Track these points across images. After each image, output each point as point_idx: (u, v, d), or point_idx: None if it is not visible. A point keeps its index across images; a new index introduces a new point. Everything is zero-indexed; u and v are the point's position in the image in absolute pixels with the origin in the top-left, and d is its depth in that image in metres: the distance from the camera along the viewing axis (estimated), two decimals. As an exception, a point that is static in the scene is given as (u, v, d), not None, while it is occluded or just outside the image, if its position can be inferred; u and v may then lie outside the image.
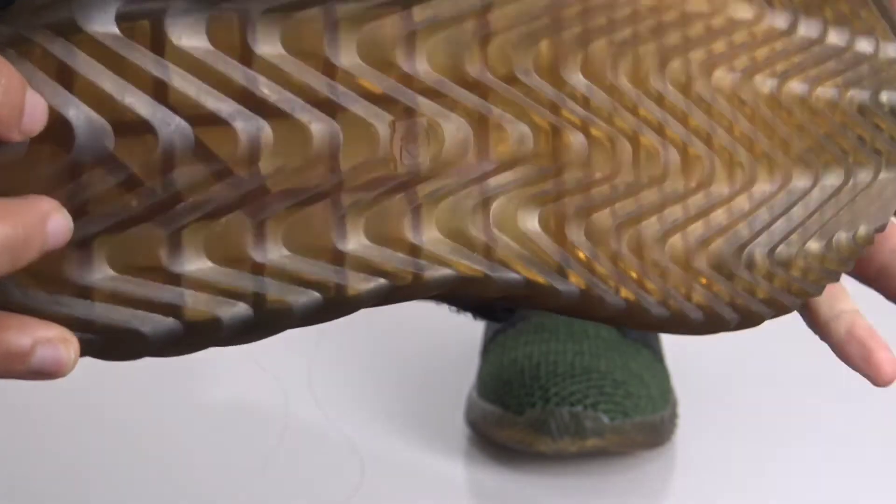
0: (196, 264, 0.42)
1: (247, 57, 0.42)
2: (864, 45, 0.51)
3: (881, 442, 0.79)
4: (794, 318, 0.98)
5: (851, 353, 0.53)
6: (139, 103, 0.41)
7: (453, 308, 0.62)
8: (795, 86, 0.49)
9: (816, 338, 0.94)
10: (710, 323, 0.49)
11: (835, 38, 0.50)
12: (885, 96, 0.51)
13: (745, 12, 0.48)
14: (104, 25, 0.41)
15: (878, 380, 0.53)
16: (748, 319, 0.50)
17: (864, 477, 0.75)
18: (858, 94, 0.51)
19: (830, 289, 0.54)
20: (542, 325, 0.81)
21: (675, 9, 0.47)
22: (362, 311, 0.96)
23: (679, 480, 0.77)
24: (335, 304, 0.44)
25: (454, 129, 0.45)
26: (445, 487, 0.75)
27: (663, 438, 0.77)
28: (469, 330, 0.90)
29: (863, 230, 0.52)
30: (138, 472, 0.76)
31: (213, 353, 0.90)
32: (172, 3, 0.41)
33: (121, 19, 0.41)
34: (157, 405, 0.84)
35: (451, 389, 0.85)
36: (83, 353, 0.42)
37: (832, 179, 0.51)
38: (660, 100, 0.47)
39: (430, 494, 0.74)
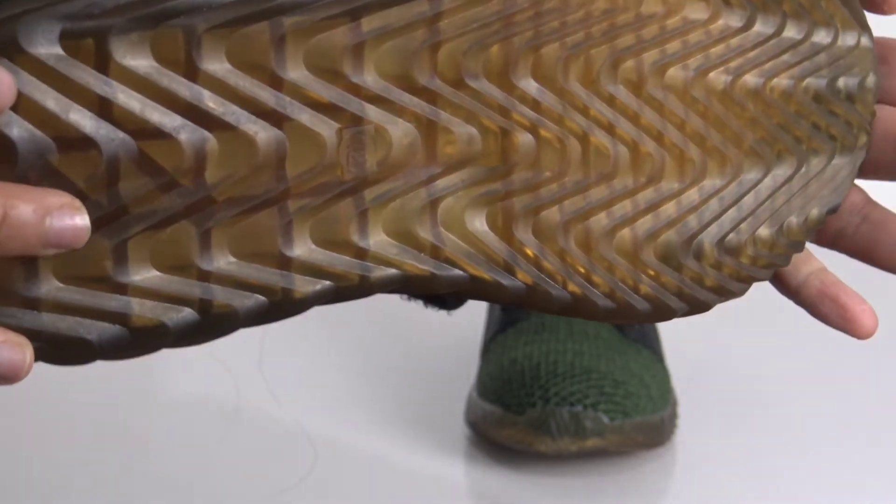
0: (142, 274, 0.43)
1: (192, 72, 0.42)
2: (822, 36, 0.50)
3: (882, 442, 0.79)
4: (795, 319, 0.98)
5: (826, 312, 0.52)
6: (83, 120, 0.41)
7: (403, 296, 0.63)
8: (749, 80, 0.49)
9: (816, 338, 0.94)
10: (656, 313, 0.49)
11: (792, 31, 0.50)
12: (841, 82, 0.51)
13: (700, 12, 0.48)
14: (47, 46, 0.41)
15: (858, 333, 0.51)
16: (695, 307, 0.50)
17: (864, 477, 0.75)
18: (815, 83, 0.51)
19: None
20: (542, 325, 0.81)
21: (629, 11, 0.47)
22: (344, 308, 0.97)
23: (679, 480, 0.77)
24: (281, 307, 0.44)
25: (401, 133, 0.45)
26: (445, 487, 0.75)
27: (663, 438, 0.77)
28: (469, 330, 0.90)
29: (814, 214, 0.52)
30: (86, 461, 0.76)
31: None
32: (116, 21, 0.41)
33: (64, 38, 0.41)
34: (106, 391, 0.84)
35: (451, 389, 0.85)
36: (34, 359, 0.42)
37: (784, 169, 0.50)
38: (611, 100, 0.47)
39: (430, 494, 0.74)
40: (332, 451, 0.78)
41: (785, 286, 0.53)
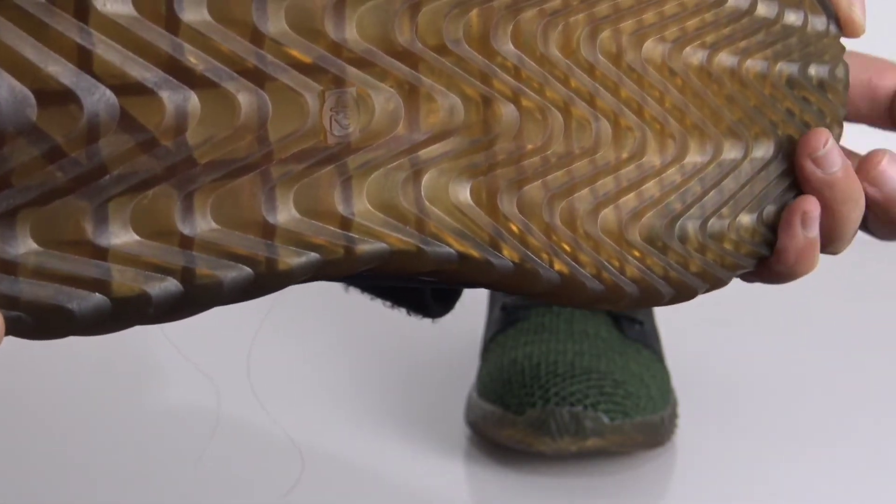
0: (122, 238, 0.42)
1: (172, 24, 0.42)
2: (792, 18, 0.51)
3: (882, 442, 0.79)
4: (796, 319, 0.98)
5: None
6: (63, 72, 0.40)
7: (387, 303, 0.62)
8: (725, 58, 0.50)
9: (818, 338, 0.94)
10: (644, 297, 0.49)
11: (764, 10, 0.51)
12: (813, 69, 0.52)
13: None
14: None
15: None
16: (682, 293, 0.50)
17: (864, 477, 0.75)
18: (787, 67, 0.51)
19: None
20: (542, 325, 0.81)
21: None
22: (337, 306, 0.97)
23: (679, 480, 0.77)
24: (266, 279, 0.44)
25: (384, 99, 0.44)
26: (445, 487, 0.75)
27: (663, 438, 0.77)
28: (469, 330, 0.90)
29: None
30: (68, 473, 0.76)
31: (141, 344, 0.90)
32: None
33: None
34: (88, 402, 0.84)
35: (451, 389, 0.85)
36: (11, 332, 0.41)
37: (762, 152, 0.51)
38: (591, 70, 0.47)
39: (430, 494, 0.74)
40: (329, 453, 0.78)
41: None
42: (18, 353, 0.87)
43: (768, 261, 0.52)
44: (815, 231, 0.51)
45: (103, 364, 0.90)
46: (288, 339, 0.93)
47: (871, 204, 0.53)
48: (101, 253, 0.42)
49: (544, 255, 0.47)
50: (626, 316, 0.82)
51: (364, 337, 0.94)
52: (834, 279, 1.08)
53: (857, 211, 0.52)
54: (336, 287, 0.79)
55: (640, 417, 0.76)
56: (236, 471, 0.76)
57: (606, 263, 0.48)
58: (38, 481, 0.75)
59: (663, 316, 0.87)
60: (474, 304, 0.90)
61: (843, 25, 0.53)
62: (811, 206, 0.51)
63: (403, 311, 0.62)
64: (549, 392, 0.75)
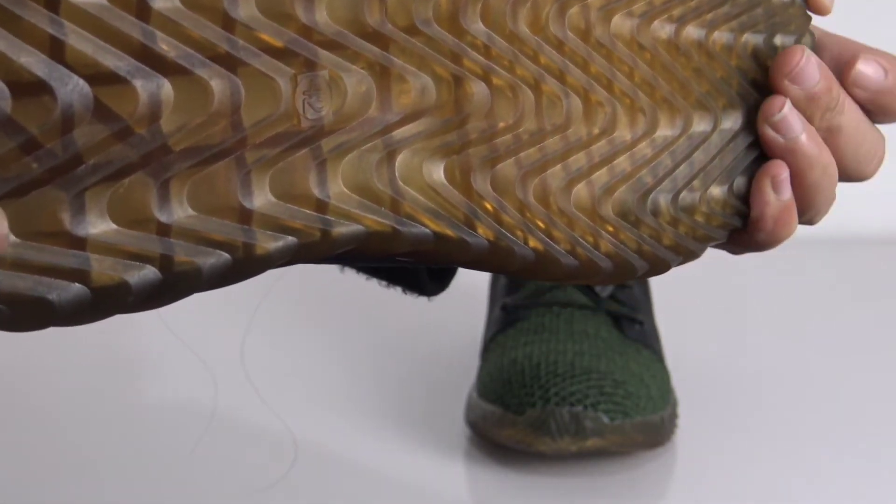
0: (100, 227, 0.42)
1: (143, 12, 0.42)
2: None
3: (882, 442, 0.79)
4: (797, 319, 0.98)
5: None
6: (35, 63, 0.40)
7: (383, 282, 0.62)
8: (692, 31, 0.50)
9: (818, 338, 0.94)
10: (618, 272, 0.49)
11: None
12: (778, 40, 0.52)
13: None
14: None
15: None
16: (655, 267, 0.50)
17: (864, 477, 0.75)
18: (753, 38, 0.52)
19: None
20: (542, 325, 0.81)
21: None
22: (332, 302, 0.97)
23: (679, 480, 0.77)
24: (244, 264, 0.44)
25: (356, 81, 0.45)
26: (445, 487, 0.75)
27: (663, 438, 0.77)
28: (469, 330, 0.91)
29: None
30: (62, 459, 0.76)
31: (136, 330, 0.90)
32: None
33: None
34: (82, 388, 0.84)
35: (451, 389, 0.85)
36: None
37: (730, 123, 0.51)
38: (560, 47, 0.48)
39: (430, 494, 0.74)
40: (326, 454, 0.78)
41: None
42: (12, 340, 0.87)
43: (748, 230, 0.52)
44: (787, 194, 0.51)
45: (98, 350, 0.90)
46: (282, 338, 0.93)
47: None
48: (79, 243, 0.42)
49: (519, 233, 0.47)
50: (626, 316, 0.82)
51: (363, 339, 0.94)
52: (835, 279, 1.08)
53: (826, 178, 0.51)
54: (334, 285, 0.79)
55: (640, 417, 0.76)
56: (231, 459, 0.76)
57: (580, 239, 0.48)
58: (31, 466, 0.75)
59: (663, 316, 0.87)
60: (474, 304, 0.90)
61: (808, 2, 0.53)
62: (779, 169, 0.51)
63: (399, 290, 0.63)
64: (549, 392, 0.75)
